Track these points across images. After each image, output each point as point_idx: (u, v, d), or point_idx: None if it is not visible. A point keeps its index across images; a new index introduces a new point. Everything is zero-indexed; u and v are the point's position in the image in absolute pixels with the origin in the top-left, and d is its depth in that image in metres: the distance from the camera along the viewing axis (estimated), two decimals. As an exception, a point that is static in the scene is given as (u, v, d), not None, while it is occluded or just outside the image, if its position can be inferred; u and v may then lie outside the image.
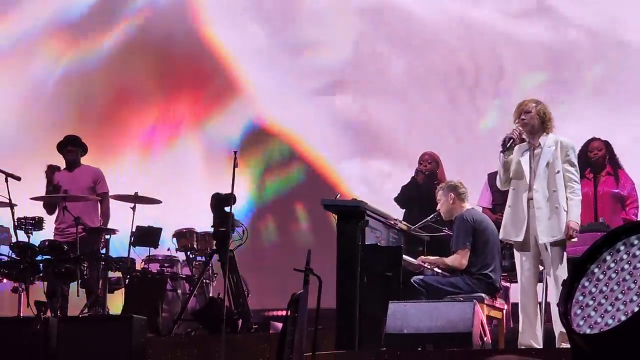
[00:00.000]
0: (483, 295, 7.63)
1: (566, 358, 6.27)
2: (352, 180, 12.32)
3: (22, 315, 8.83)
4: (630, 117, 11.39)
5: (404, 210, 9.48)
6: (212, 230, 8.98)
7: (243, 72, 12.93)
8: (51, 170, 9.49)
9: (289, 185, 12.61)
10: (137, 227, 9.58)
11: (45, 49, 13.17)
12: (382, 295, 7.42)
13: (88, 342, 7.46)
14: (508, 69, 12.24)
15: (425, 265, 7.94)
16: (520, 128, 7.28)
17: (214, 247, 9.12)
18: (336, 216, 7.67)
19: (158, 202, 9.88)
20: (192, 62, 12.94)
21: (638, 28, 11.68)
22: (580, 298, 4.21)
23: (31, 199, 9.36)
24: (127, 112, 12.97)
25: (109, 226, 9.45)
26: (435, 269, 7.90)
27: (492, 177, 8.61)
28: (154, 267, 9.87)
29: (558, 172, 7.23)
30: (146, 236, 9.72)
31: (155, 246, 9.92)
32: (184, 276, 9.95)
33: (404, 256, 7.78)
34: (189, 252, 10.03)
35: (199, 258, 10.07)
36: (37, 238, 9.09)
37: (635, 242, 4.19)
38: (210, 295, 9.67)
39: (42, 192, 9.51)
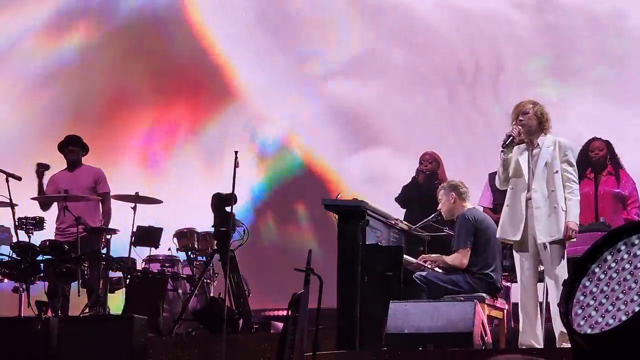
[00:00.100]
0: (484, 295, 7.63)
1: (567, 358, 6.27)
2: (352, 180, 12.31)
3: (22, 315, 8.83)
4: (633, 116, 11.39)
5: (405, 210, 9.48)
6: (212, 230, 8.98)
7: (244, 71, 12.93)
8: (40, 168, 9.43)
9: (289, 185, 12.61)
10: (138, 227, 9.59)
11: (46, 49, 13.16)
12: (383, 295, 7.42)
13: (89, 342, 7.46)
14: (509, 67, 12.24)
15: (426, 264, 7.94)
16: (519, 127, 7.30)
17: (215, 247, 9.12)
18: (337, 216, 7.67)
19: (159, 202, 9.89)
20: (192, 62, 12.94)
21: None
22: (581, 298, 4.21)
23: (32, 199, 9.36)
24: (128, 112, 12.97)
25: (110, 226, 9.45)
26: (436, 269, 7.90)
27: (493, 176, 8.60)
28: (155, 267, 9.88)
29: (556, 172, 7.24)
30: (147, 236, 9.72)
31: (156, 246, 9.92)
32: (184, 276, 9.95)
33: (404, 256, 7.78)
34: (189, 252, 10.03)
35: (199, 258, 10.07)
36: (37, 238, 9.09)
37: (636, 241, 4.18)
38: (211, 295, 9.67)
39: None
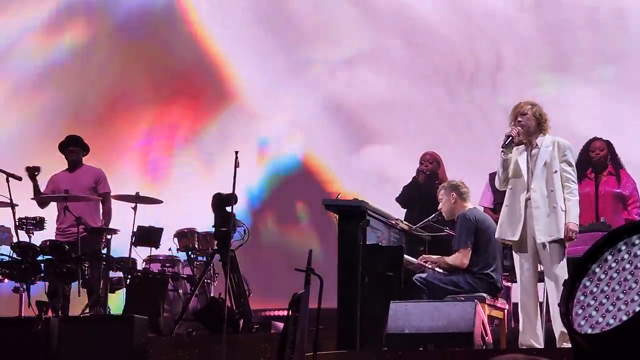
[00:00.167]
0: (484, 295, 7.63)
1: (568, 358, 6.26)
2: (353, 180, 12.30)
3: (23, 315, 8.84)
4: (633, 116, 11.39)
5: (405, 210, 9.49)
6: (213, 230, 8.98)
7: (244, 71, 12.93)
8: (30, 172, 9.37)
9: (290, 185, 12.60)
10: (139, 227, 9.59)
11: (46, 49, 13.17)
12: (384, 295, 7.42)
13: (89, 342, 7.47)
14: (509, 66, 12.23)
15: (427, 264, 7.95)
16: (518, 128, 7.30)
17: (215, 247, 9.12)
18: (337, 216, 7.67)
19: (159, 202, 9.89)
20: (193, 62, 12.94)
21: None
22: (582, 298, 4.21)
23: (32, 199, 9.36)
24: (128, 112, 12.97)
25: (110, 226, 9.45)
26: (437, 269, 7.90)
27: (493, 176, 8.59)
28: (155, 267, 9.88)
29: (556, 172, 7.24)
30: (147, 236, 9.73)
31: (157, 246, 9.92)
32: (185, 276, 9.95)
33: (405, 256, 7.79)
34: (190, 252, 10.03)
35: (200, 258, 10.07)
36: (38, 238, 9.09)
37: (637, 241, 4.18)
38: (212, 295, 9.67)
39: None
